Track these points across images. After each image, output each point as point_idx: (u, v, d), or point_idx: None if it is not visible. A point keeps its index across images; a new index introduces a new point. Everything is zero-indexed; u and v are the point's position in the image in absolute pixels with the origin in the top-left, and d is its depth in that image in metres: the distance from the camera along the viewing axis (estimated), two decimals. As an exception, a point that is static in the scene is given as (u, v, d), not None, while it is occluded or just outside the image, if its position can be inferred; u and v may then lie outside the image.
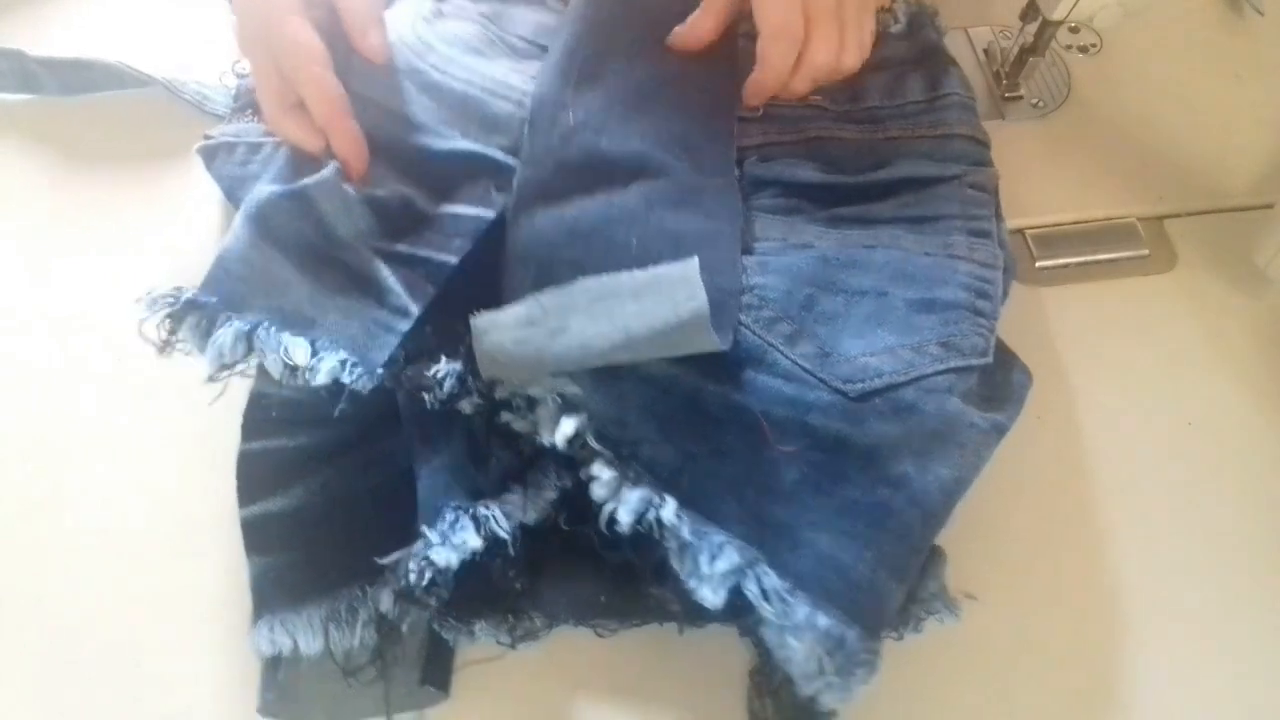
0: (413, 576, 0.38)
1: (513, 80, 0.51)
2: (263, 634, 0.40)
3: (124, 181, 0.57)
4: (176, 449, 0.48)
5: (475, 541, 0.38)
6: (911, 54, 0.55)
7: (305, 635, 0.40)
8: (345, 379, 0.40)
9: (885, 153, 0.51)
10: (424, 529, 0.38)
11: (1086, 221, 0.56)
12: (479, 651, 0.42)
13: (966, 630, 0.43)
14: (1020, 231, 0.55)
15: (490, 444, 0.42)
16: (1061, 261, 0.54)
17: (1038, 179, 0.56)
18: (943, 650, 0.42)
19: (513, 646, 0.41)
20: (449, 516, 0.39)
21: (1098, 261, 0.54)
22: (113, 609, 0.44)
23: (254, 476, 0.44)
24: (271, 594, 0.41)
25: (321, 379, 0.40)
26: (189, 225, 0.55)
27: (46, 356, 0.51)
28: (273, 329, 0.40)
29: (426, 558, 0.38)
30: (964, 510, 0.45)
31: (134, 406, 0.49)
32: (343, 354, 0.40)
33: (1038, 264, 0.54)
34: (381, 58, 0.49)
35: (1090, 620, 0.43)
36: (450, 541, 0.38)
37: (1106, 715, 0.41)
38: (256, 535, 0.43)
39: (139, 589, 0.45)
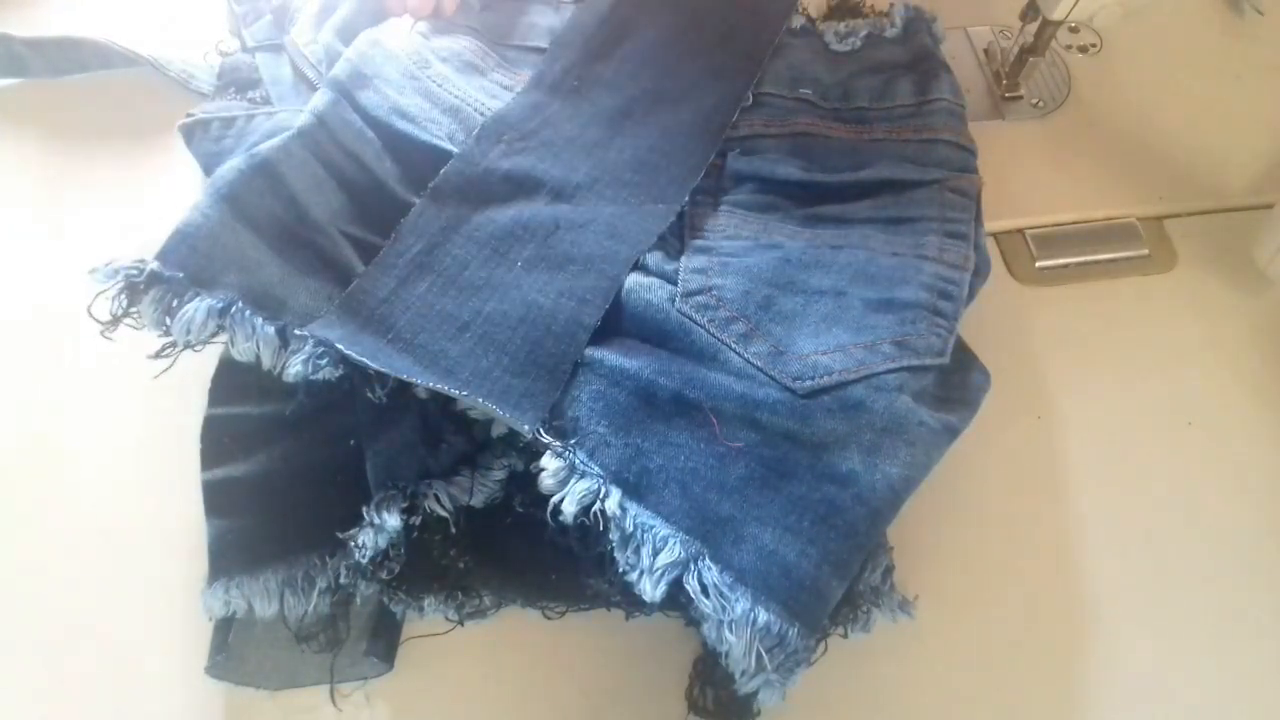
0: (357, 553, 0.38)
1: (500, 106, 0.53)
2: (217, 595, 0.40)
3: (113, 160, 0.57)
4: (154, 419, 0.48)
5: (395, 522, 0.38)
6: (905, 58, 0.56)
7: (260, 599, 0.40)
8: (313, 376, 0.40)
9: (868, 154, 0.51)
10: (364, 508, 0.39)
11: (1086, 221, 0.56)
12: (426, 627, 0.43)
13: (954, 631, 0.43)
14: (1020, 231, 0.55)
15: (444, 430, 0.42)
16: (1061, 261, 0.54)
17: (1038, 179, 0.56)
18: (953, 654, 0.43)
19: (460, 623, 0.42)
20: (379, 495, 0.39)
21: (1098, 261, 0.54)
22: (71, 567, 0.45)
23: (219, 441, 0.44)
24: (229, 557, 0.41)
25: (290, 376, 0.40)
26: (177, 202, 0.54)
27: (36, 337, 0.51)
28: (246, 310, 0.40)
29: (360, 539, 0.38)
30: (962, 510, 0.46)
31: (120, 384, 0.49)
32: (309, 347, 0.40)
33: (1038, 264, 0.54)
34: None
35: (1089, 620, 0.43)
36: (374, 522, 0.39)
37: (1102, 715, 0.41)
38: (218, 498, 0.43)
39: (97, 547, 0.45)
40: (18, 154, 0.57)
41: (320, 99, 0.48)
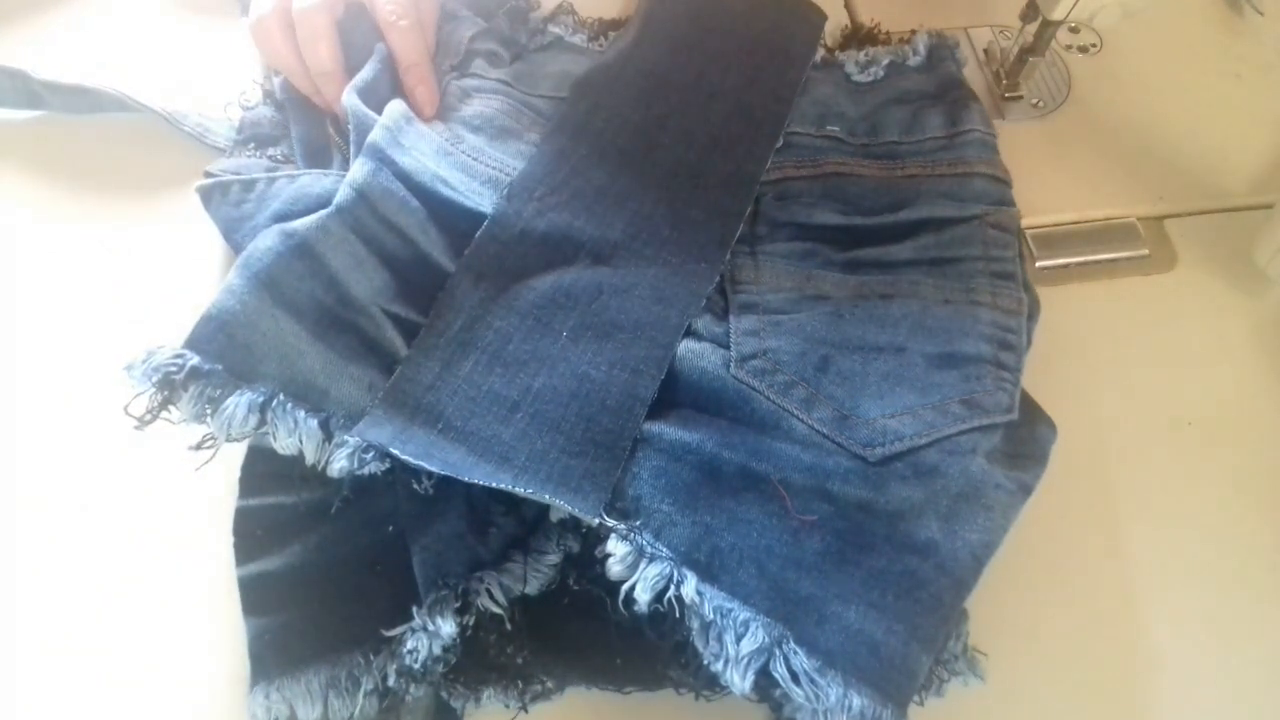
0: (406, 659, 0.37)
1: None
2: (258, 700, 0.38)
3: (127, 200, 0.55)
4: (172, 499, 0.45)
5: (450, 628, 0.37)
6: (931, 87, 0.55)
7: (304, 703, 0.38)
8: (359, 471, 0.38)
9: (904, 191, 0.50)
10: (414, 610, 0.37)
11: (1086, 221, 0.56)
12: (487, 714, 0.40)
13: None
14: (1020, 231, 0.55)
15: (492, 513, 0.41)
16: (1061, 261, 0.54)
17: (1038, 179, 0.56)
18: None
19: (524, 709, 0.40)
20: (431, 597, 0.38)
21: (1098, 261, 0.54)
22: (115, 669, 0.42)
23: (252, 534, 0.42)
24: (269, 658, 0.39)
25: (335, 471, 0.38)
26: (190, 248, 0.53)
27: (42, 383, 0.49)
28: (288, 404, 0.39)
29: (410, 644, 0.37)
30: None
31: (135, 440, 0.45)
32: (353, 441, 0.39)
33: (1038, 264, 0.54)
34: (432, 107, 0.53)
35: (1086, 616, 0.43)
36: (428, 627, 0.37)
37: (1097, 708, 0.41)
38: (254, 595, 0.41)
39: (140, 646, 0.42)
40: (31, 188, 0.55)
41: (359, 170, 0.45)
